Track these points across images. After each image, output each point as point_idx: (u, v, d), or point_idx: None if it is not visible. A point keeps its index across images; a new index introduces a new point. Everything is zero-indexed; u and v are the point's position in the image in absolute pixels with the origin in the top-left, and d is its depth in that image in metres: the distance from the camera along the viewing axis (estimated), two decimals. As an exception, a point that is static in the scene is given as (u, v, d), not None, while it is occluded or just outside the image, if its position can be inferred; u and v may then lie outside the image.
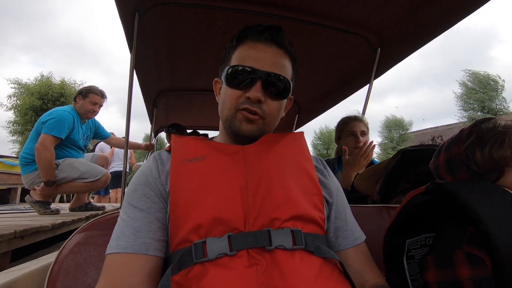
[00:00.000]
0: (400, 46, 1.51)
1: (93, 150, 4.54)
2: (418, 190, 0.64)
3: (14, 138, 16.45)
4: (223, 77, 0.68)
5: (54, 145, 2.33)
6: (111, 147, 4.85)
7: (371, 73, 1.65)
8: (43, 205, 2.49)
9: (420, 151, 1.04)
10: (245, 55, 0.65)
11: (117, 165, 5.00)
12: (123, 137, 2.96)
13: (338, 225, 0.65)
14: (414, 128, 26.51)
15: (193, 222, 0.53)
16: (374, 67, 1.61)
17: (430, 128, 25.19)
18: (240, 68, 0.64)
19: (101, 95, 2.65)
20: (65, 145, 2.49)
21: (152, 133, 3.13)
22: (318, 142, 29.61)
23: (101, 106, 2.66)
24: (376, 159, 1.88)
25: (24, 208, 3.25)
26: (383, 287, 0.59)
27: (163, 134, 3.47)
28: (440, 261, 0.55)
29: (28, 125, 15.06)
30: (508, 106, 18.59)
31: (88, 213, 2.68)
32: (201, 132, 1.03)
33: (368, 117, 1.83)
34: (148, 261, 0.53)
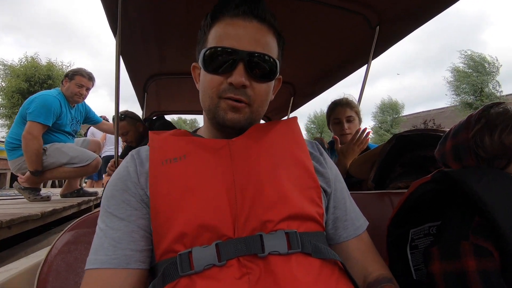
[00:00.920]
0: (400, 23, 1.45)
1: (85, 135, 4.44)
2: (424, 179, 0.62)
3: (1, 122, 16.08)
4: (200, 62, 0.60)
5: (41, 134, 2.25)
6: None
7: (369, 52, 1.60)
8: (32, 192, 2.43)
9: (415, 135, 1.02)
10: (222, 34, 0.57)
11: (109, 149, 4.86)
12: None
13: (338, 215, 0.61)
14: (406, 111, 26.76)
15: (177, 230, 0.48)
16: (373, 46, 1.55)
17: (423, 111, 25.47)
18: (218, 49, 0.56)
19: (88, 77, 2.53)
20: (53, 130, 2.40)
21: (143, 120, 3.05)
22: (312, 126, 29.65)
23: (88, 89, 2.55)
24: (371, 143, 1.85)
25: (14, 194, 3.19)
26: (387, 278, 0.55)
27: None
28: (446, 253, 0.54)
29: (15, 109, 14.61)
30: (502, 90, 18.66)
31: (80, 199, 2.64)
32: (195, 116, 0.97)
33: (362, 100, 1.79)
34: (129, 276, 0.49)
